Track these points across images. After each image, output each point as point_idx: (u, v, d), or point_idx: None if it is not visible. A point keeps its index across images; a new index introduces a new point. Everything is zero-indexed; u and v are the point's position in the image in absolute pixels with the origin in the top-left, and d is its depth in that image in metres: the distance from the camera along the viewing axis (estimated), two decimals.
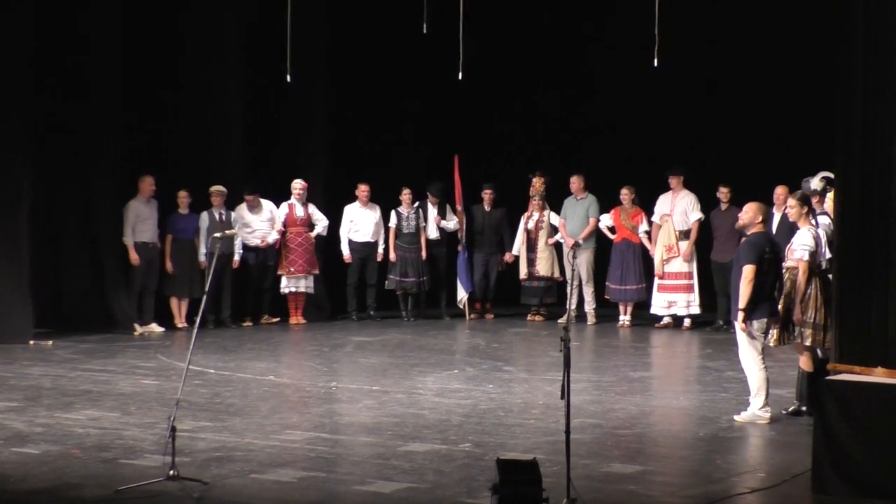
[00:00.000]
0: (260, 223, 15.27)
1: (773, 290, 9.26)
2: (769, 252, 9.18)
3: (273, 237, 15.30)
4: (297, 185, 15.60)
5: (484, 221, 16.34)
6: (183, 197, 14.74)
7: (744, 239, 9.56)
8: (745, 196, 10.16)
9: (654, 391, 10.94)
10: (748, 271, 9.09)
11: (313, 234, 15.64)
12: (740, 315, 9.18)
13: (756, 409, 9.19)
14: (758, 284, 9.09)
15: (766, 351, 9.30)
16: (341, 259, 15.94)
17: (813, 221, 9.66)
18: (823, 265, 9.42)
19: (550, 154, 17.44)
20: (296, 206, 15.59)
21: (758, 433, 8.91)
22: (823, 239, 9.48)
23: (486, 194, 16.37)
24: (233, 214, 15.02)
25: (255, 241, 15.18)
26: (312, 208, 15.71)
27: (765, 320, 9.17)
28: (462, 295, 16.29)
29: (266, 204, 15.39)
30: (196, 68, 15.25)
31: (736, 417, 9.25)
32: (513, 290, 16.29)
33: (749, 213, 9.36)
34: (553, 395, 9.77)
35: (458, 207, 16.27)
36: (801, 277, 9.33)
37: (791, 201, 9.80)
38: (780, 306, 9.36)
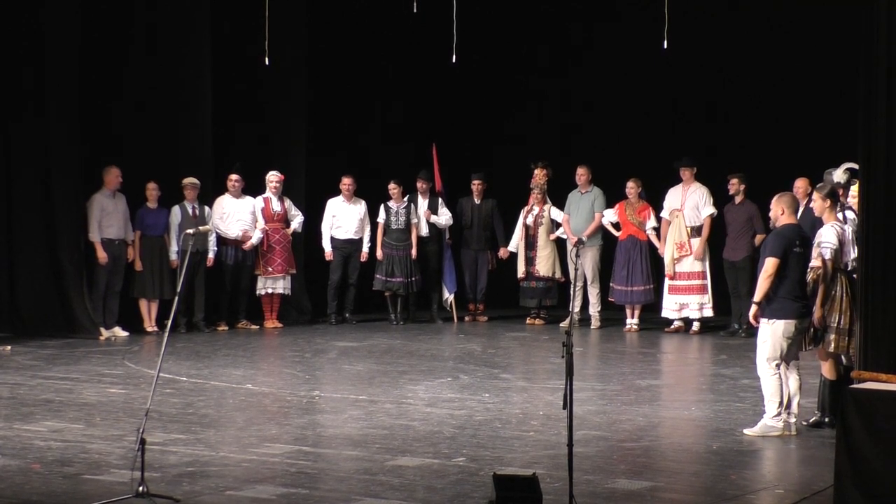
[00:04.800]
0: (244, 213, 15.26)
1: (804, 289, 9.26)
2: (799, 246, 9.19)
3: (257, 237, 15.31)
4: (273, 177, 15.59)
5: (473, 215, 16.33)
6: (152, 189, 14.74)
7: (773, 231, 9.55)
8: (762, 189, 10.19)
9: (664, 401, 10.98)
10: (769, 265, 9.10)
11: (289, 230, 15.65)
12: (752, 308, 9.23)
13: (768, 420, 9.21)
14: (784, 282, 9.09)
15: (787, 357, 9.28)
16: (322, 257, 15.96)
17: (840, 216, 9.67)
18: (850, 265, 9.43)
19: (550, 143, 17.49)
20: (272, 200, 15.60)
21: (775, 447, 8.95)
22: (850, 235, 9.48)
23: (476, 185, 16.35)
24: (206, 209, 15.02)
25: (235, 233, 15.16)
26: (289, 202, 15.72)
27: (793, 322, 9.17)
28: (446, 295, 16.31)
29: (247, 197, 15.43)
30: (164, 50, 15.21)
31: (746, 431, 9.26)
32: (510, 290, 16.31)
33: (772, 208, 9.40)
34: (554, 405, 9.81)
35: (439, 193, 16.28)
36: (823, 277, 9.35)
37: (815, 195, 9.81)
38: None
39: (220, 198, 15.28)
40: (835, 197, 9.69)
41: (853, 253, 9.38)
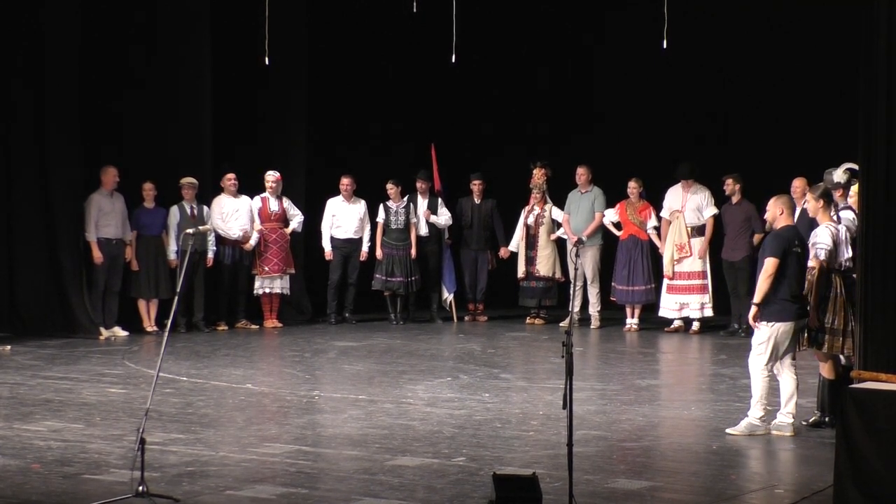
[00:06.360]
0: (242, 213, 15.25)
1: (801, 291, 9.25)
2: (797, 247, 9.19)
3: (255, 238, 15.30)
4: (271, 177, 15.58)
5: (473, 215, 16.34)
6: (148, 189, 14.73)
7: (771, 232, 9.54)
8: (762, 189, 10.19)
9: (664, 401, 10.98)
10: (769, 265, 9.10)
11: (288, 230, 15.65)
12: (752, 310, 9.22)
13: (753, 420, 9.21)
14: (783, 283, 9.08)
15: (783, 357, 9.28)
16: (322, 256, 15.96)
17: (834, 216, 9.68)
18: (844, 265, 9.43)
19: (550, 142, 17.49)
20: (269, 199, 15.59)
21: (775, 447, 8.96)
22: (845, 236, 9.48)
23: (476, 185, 16.36)
24: (205, 209, 15.02)
25: (236, 233, 15.16)
26: (287, 202, 15.72)
27: (791, 324, 9.16)
28: (446, 295, 16.32)
29: (244, 197, 15.43)
30: (164, 50, 15.20)
31: (729, 431, 9.25)
32: (510, 290, 16.31)
33: (769, 209, 9.38)
34: (554, 404, 9.81)
35: (438, 193, 16.29)
36: (818, 279, 9.34)
37: (808, 195, 9.82)
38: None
39: (217, 198, 15.27)
40: (828, 197, 9.70)
41: (848, 252, 9.40)
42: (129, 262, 14.59)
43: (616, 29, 17.19)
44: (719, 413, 10.08)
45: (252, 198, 15.48)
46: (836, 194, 10.07)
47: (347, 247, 15.90)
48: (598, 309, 15.73)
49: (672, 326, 15.22)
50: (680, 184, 15.15)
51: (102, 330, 14.26)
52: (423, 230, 16.10)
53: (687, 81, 16.57)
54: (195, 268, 14.73)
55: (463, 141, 17.65)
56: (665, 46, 11.78)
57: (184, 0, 15.37)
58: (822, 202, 9.59)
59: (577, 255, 9.21)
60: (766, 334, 9.19)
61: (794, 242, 9.19)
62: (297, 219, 15.77)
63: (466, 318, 16.35)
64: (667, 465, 8.48)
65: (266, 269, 15.47)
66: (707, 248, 15.01)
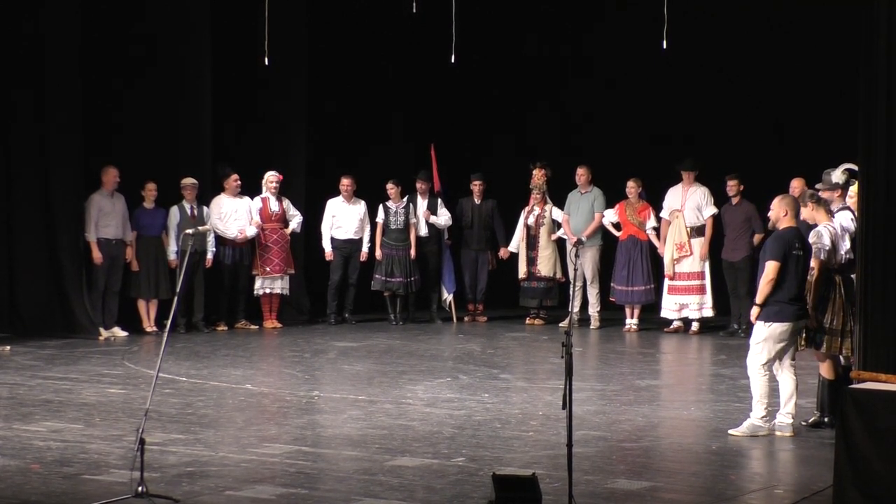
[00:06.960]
0: (242, 213, 15.24)
1: (802, 292, 9.25)
2: (798, 248, 9.19)
3: (252, 231, 15.30)
4: (272, 177, 15.58)
5: (473, 215, 16.34)
6: (150, 190, 14.73)
7: (773, 233, 9.54)
8: (762, 189, 10.19)
9: (663, 401, 10.98)
10: (770, 268, 9.10)
11: (288, 230, 15.64)
12: (754, 310, 9.22)
13: (755, 420, 9.21)
14: (783, 285, 9.08)
15: (782, 357, 9.28)
16: (322, 257, 15.96)
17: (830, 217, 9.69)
18: (844, 258, 9.43)
19: (550, 143, 17.49)
20: (270, 200, 15.58)
21: (774, 447, 8.96)
22: (842, 232, 9.48)
23: (476, 186, 16.36)
24: (205, 209, 15.01)
25: (233, 233, 15.16)
26: (287, 203, 15.71)
27: (789, 325, 9.15)
28: (445, 295, 16.32)
29: (245, 197, 15.43)
30: (164, 50, 15.19)
31: (732, 432, 9.25)
32: (510, 290, 16.31)
33: (773, 209, 9.38)
34: (554, 405, 9.82)
35: (438, 194, 16.30)
36: (816, 279, 9.35)
37: (801, 206, 9.81)
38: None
39: (217, 198, 15.28)
40: (818, 198, 9.71)
41: (846, 245, 9.41)
42: (130, 262, 14.59)
43: (616, 29, 17.19)
44: (719, 413, 10.08)
45: (252, 198, 15.48)
46: (835, 195, 10.07)
47: (348, 247, 15.90)
48: (598, 309, 15.73)
49: (672, 327, 15.22)
50: (680, 182, 15.15)
51: (102, 330, 14.26)
52: (423, 230, 16.10)
53: (687, 81, 16.57)
54: (195, 268, 14.73)
55: (463, 141, 17.66)
56: (665, 46, 11.77)
57: (184, 0, 15.37)
58: (811, 204, 9.62)
59: (576, 256, 9.23)
60: (762, 334, 9.20)
61: (794, 244, 9.18)
62: (296, 219, 15.76)
63: (466, 318, 16.35)
64: (667, 466, 8.48)
65: (267, 269, 15.47)
66: (707, 250, 15.00)
